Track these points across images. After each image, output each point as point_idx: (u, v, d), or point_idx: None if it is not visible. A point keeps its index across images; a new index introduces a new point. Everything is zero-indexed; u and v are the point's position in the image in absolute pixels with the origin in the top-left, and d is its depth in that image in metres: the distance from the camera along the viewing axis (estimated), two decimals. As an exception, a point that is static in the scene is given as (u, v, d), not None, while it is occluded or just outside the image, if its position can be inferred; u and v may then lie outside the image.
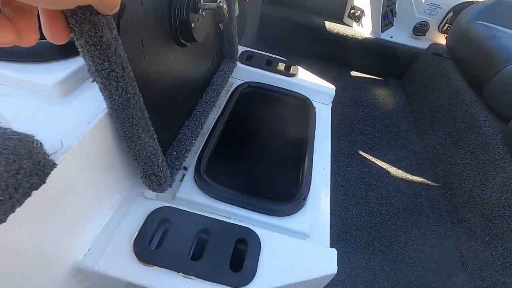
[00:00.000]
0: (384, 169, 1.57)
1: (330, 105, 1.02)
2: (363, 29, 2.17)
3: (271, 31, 2.19)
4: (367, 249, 1.20)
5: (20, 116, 0.38)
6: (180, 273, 0.48)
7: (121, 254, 0.48)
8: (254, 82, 0.96)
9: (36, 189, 0.32)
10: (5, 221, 0.29)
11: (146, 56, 0.47)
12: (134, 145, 0.45)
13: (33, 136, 0.31)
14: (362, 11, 2.12)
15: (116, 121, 0.42)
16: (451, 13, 2.05)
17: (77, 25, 0.29)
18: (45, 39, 0.25)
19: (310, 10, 2.25)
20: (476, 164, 1.37)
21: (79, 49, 0.33)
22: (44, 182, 0.33)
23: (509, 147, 1.23)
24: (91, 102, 0.43)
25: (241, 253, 0.53)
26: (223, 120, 0.81)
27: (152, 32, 0.49)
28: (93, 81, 0.37)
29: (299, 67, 1.04)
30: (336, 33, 2.16)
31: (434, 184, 1.55)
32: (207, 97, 0.78)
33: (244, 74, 0.99)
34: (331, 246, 0.59)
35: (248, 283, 0.49)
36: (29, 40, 0.23)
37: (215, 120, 0.80)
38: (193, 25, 0.56)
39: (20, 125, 0.31)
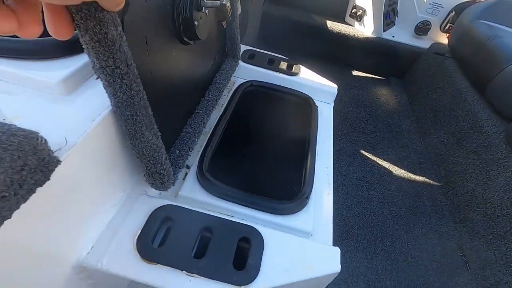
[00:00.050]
0: (386, 168, 1.57)
1: (332, 104, 1.02)
2: (365, 29, 2.16)
3: (272, 30, 2.19)
4: (369, 249, 1.20)
5: (24, 113, 0.38)
6: (183, 271, 0.48)
7: (124, 252, 0.48)
8: (256, 81, 0.96)
9: (41, 185, 0.32)
10: (10, 218, 0.29)
11: (149, 53, 0.47)
12: (137, 142, 0.45)
13: (38, 133, 0.31)
14: (364, 11, 2.12)
15: (120, 118, 0.42)
16: (453, 12, 2.04)
17: (82, 21, 0.29)
18: (49, 36, 0.25)
19: (311, 10, 2.25)
20: (478, 163, 1.36)
21: (83, 46, 0.33)
22: (49, 179, 0.33)
23: (512, 146, 1.23)
24: (95, 100, 0.43)
25: (244, 251, 0.53)
26: (226, 119, 0.81)
27: (156, 29, 0.49)
28: (97, 78, 0.37)
29: (301, 66, 1.04)
30: (338, 32, 2.15)
31: (436, 183, 1.54)
32: (210, 96, 0.78)
33: (246, 73, 0.99)
34: (334, 245, 0.59)
35: (252, 282, 0.48)
36: (32, 32, 0.23)
37: (218, 118, 0.80)
38: (196, 23, 0.56)
39: (24, 122, 0.31)
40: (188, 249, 0.50)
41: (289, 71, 1.00)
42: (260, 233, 0.55)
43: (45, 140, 0.31)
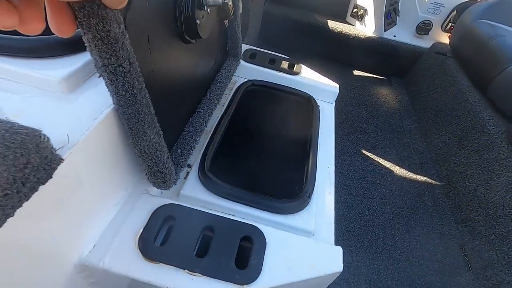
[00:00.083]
0: (387, 168, 1.57)
1: (334, 104, 1.02)
2: (366, 28, 2.16)
3: (273, 30, 2.19)
4: (370, 248, 1.20)
5: (26, 111, 0.38)
6: (185, 270, 0.47)
7: (126, 251, 0.48)
8: (258, 80, 0.96)
9: (43, 183, 0.32)
10: (12, 216, 0.29)
11: (151, 52, 0.47)
12: (139, 141, 0.45)
13: (40, 131, 0.31)
14: (365, 10, 2.12)
15: (122, 116, 0.42)
16: (455, 11, 2.04)
17: (85, 19, 0.29)
18: (51, 34, 0.25)
19: (312, 9, 2.25)
20: (480, 163, 1.36)
21: (86, 44, 0.33)
22: (51, 177, 0.32)
23: (514, 146, 1.22)
24: (97, 98, 0.43)
25: (246, 250, 0.53)
26: (227, 118, 0.80)
27: (158, 28, 0.49)
28: (99, 76, 0.37)
29: (302, 65, 1.04)
30: (339, 32, 2.15)
31: (437, 183, 1.54)
32: (211, 95, 0.78)
33: (247, 72, 0.99)
34: (335, 244, 0.59)
35: (254, 281, 0.48)
36: (34, 28, 0.23)
37: (219, 118, 0.80)
38: (198, 21, 0.55)
39: (26, 120, 0.31)
40: (190, 248, 0.50)
41: (290, 71, 1.00)
42: (262, 232, 0.54)
43: (47, 138, 0.31)
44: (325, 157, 0.80)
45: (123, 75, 0.36)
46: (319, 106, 0.94)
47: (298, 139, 0.86)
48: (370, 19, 2.12)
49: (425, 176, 1.56)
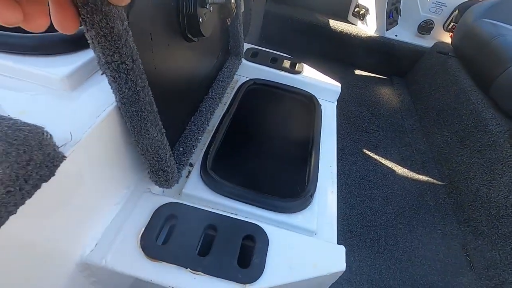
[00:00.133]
0: (389, 167, 1.56)
1: (336, 103, 1.02)
2: (368, 28, 2.15)
3: (274, 29, 2.19)
4: (372, 248, 1.19)
5: (29, 108, 0.38)
6: (188, 269, 0.47)
7: (128, 250, 0.48)
8: (260, 79, 0.96)
9: (46, 181, 0.31)
10: (15, 213, 0.29)
11: (154, 50, 0.47)
12: (142, 139, 0.45)
13: (43, 128, 0.31)
14: (367, 9, 2.11)
15: (125, 114, 0.42)
16: (457, 11, 2.03)
17: (88, 15, 0.29)
18: (54, 32, 0.24)
19: (314, 8, 2.24)
20: (483, 162, 1.36)
21: (89, 41, 0.33)
22: (54, 174, 0.32)
23: (517, 145, 1.22)
24: (100, 96, 0.43)
25: (249, 249, 0.53)
26: (229, 117, 0.80)
27: (160, 25, 0.48)
28: (102, 74, 0.37)
29: (304, 64, 1.04)
30: (340, 31, 2.15)
31: (439, 183, 1.53)
32: (213, 94, 0.78)
33: (249, 71, 0.99)
34: (337, 244, 0.59)
35: (257, 280, 0.48)
36: (38, 25, 0.23)
37: (221, 116, 0.80)
38: (200, 19, 0.55)
39: (28, 118, 0.31)
40: (193, 247, 0.50)
41: (292, 70, 1.00)
42: (264, 231, 0.54)
43: (50, 135, 0.31)
44: (327, 156, 0.80)
45: (126, 72, 0.36)
46: (321, 105, 0.94)
47: (300, 138, 0.85)
48: (371, 18, 2.11)
49: (427, 175, 1.56)
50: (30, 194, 0.30)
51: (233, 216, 0.56)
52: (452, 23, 2.07)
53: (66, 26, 0.25)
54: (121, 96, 0.39)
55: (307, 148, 0.80)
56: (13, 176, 0.27)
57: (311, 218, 0.63)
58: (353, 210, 1.32)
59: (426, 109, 1.90)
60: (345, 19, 2.25)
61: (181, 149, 0.62)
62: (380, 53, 2.18)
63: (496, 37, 1.57)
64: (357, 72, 2.30)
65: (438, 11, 2.10)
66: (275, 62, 1.01)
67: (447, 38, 2.15)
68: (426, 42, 2.13)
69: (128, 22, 0.34)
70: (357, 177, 1.47)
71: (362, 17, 2.14)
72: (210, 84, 0.81)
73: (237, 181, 0.64)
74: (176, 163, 0.58)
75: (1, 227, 0.28)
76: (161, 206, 0.54)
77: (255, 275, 0.48)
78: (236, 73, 0.96)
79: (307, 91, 0.96)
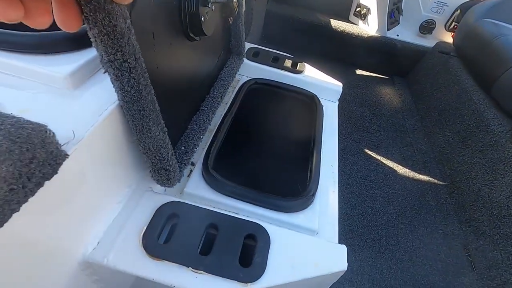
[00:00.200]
0: (390, 167, 1.56)
1: (337, 102, 1.02)
2: (369, 27, 2.15)
3: (276, 28, 2.19)
4: (373, 248, 1.19)
5: (32, 106, 0.38)
6: (189, 267, 0.47)
7: (130, 248, 0.48)
8: (261, 78, 0.96)
9: (49, 179, 0.31)
10: (18, 211, 0.29)
11: (156, 48, 0.47)
12: (144, 138, 0.45)
13: (46, 126, 0.31)
14: (368, 9, 2.11)
15: (127, 113, 0.42)
16: (459, 11, 2.03)
17: (91, 13, 0.29)
18: (57, 30, 0.24)
19: (315, 8, 2.24)
20: (484, 162, 1.35)
21: (92, 39, 0.33)
22: (56, 173, 0.32)
23: (519, 145, 1.22)
24: (102, 94, 0.43)
25: (250, 248, 0.53)
26: (230, 116, 0.80)
27: (163, 24, 0.48)
28: (104, 72, 0.37)
29: (305, 64, 1.04)
30: (342, 31, 2.14)
31: (441, 183, 1.53)
32: (215, 93, 0.78)
33: (250, 70, 0.99)
34: (339, 243, 0.59)
35: (258, 279, 0.48)
36: (41, 22, 0.23)
37: (222, 116, 0.80)
38: (202, 18, 0.55)
39: (31, 116, 0.31)
40: (194, 246, 0.50)
41: (293, 69, 1.00)
42: (266, 230, 0.54)
43: (53, 133, 0.31)
44: (328, 155, 0.80)
45: (128, 70, 0.36)
46: (322, 105, 0.93)
47: (302, 137, 0.85)
48: (373, 18, 2.11)
49: (428, 175, 1.56)
50: (33, 192, 0.30)
51: (235, 215, 0.56)
52: (453, 23, 2.07)
53: (69, 24, 0.25)
54: (123, 94, 0.39)
55: (309, 148, 0.80)
56: (16, 174, 0.27)
57: (312, 218, 0.63)
58: (355, 209, 1.32)
59: (427, 109, 1.90)
60: (346, 19, 2.25)
61: (182, 148, 0.62)
62: (382, 53, 2.17)
63: (498, 37, 1.56)
64: (359, 71, 2.29)
65: (440, 11, 2.10)
66: (276, 62, 1.01)
67: (448, 38, 2.14)
68: (427, 42, 2.13)
69: (131, 21, 0.34)
70: (358, 177, 1.46)
71: (363, 16, 2.14)
72: (212, 83, 0.81)
73: (238, 180, 0.64)
74: (178, 162, 0.58)
75: (4, 225, 0.28)
76: (163, 205, 0.54)
77: (257, 274, 0.48)
78: (238, 72, 0.96)
79: (308, 90, 0.96)
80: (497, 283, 1.12)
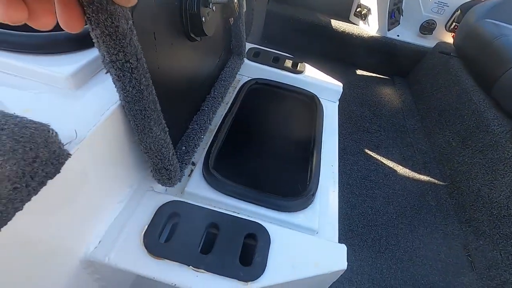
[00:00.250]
0: (391, 167, 1.56)
1: (337, 103, 1.02)
2: (369, 28, 2.15)
3: (276, 29, 2.19)
4: (373, 247, 1.19)
5: (34, 106, 0.38)
6: (190, 266, 0.48)
7: (131, 247, 0.49)
8: (262, 78, 0.96)
9: (51, 178, 0.32)
10: (21, 209, 0.29)
11: (157, 49, 0.47)
12: (145, 137, 0.45)
13: (49, 125, 0.31)
14: (369, 9, 2.11)
15: (128, 113, 0.42)
16: (459, 11, 2.03)
17: (94, 14, 0.29)
18: (59, 30, 0.25)
19: (315, 8, 2.24)
20: (484, 163, 1.35)
21: (94, 40, 0.33)
22: (59, 172, 0.33)
23: (519, 145, 1.22)
24: (104, 94, 0.43)
25: (251, 248, 0.53)
26: (231, 116, 0.81)
27: (164, 25, 0.49)
28: (106, 73, 0.37)
29: (306, 64, 1.04)
30: (342, 31, 2.15)
31: (441, 183, 1.53)
32: (215, 93, 0.78)
33: (251, 70, 0.99)
34: (339, 243, 0.59)
35: (258, 278, 0.48)
36: (44, 23, 0.23)
37: (223, 116, 0.80)
38: (203, 19, 0.56)
39: (34, 116, 0.32)
40: (195, 245, 0.50)
41: (294, 69, 1.00)
42: (266, 230, 0.55)
43: (56, 132, 0.32)
44: (328, 155, 0.80)
45: (130, 71, 0.36)
46: (322, 105, 0.94)
47: (302, 137, 0.86)
48: (373, 18, 2.11)
49: (428, 175, 1.56)
50: (36, 191, 0.30)
51: (235, 215, 0.57)
52: (454, 23, 2.07)
53: (72, 25, 0.25)
54: (125, 94, 0.39)
55: (309, 148, 0.80)
56: (19, 173, 0.28)
57: (312, 217, 0.63)
58: (355, 209, 1.32)
59: (428, 109, 1.90)
60: (347, 19, 2.25)
61: (183, 148, 0.62)
62: (382, 53, 2.18)
63: (498, 37, 1.56)
64: (359, 72, 2.30)
65: (440, 11, 2.10)
66: (277, 62, 1.02)
67: (449, 38, 2.14)
68: (428, 42, 2.13)
69: (133, 21, 0.34)
70: (358, 177, 1.47)
71: (364, 17, 2.14)
72: (213, 84, 0.81)
73: (239, 180, 0.64)
74: (179, 161, 0.58)
75: (8, 223, 0.28)
76: (163, 204, 0.54)
77: (257, 273, 0.49)
78: (238, 72, 0.96)
79: (308, 90, 0.96)
80: (497, 283, 1.12)
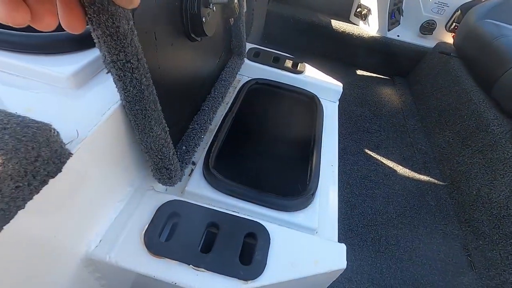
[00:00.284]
0: (391, 167, 1.57)
1: (337, 103, 1.02)
2: (370, 28, 2.15)
3: (276, 29, 2.19)
4: (373, 247, 1.20)
5: (36, 106, 0.39)
6: (190, 265, 0.48)
7: (132, 246, 0.49)
8: (262, 78, 0.97)
9: (53, 177, 0.32)
10: (23, 208, 0.29)
11: (158, 49, 0.47)
12: (146, 137, 0.45)
13: (51, 125, 0.31)
14: (369, 10, 2.11)
15: (129, 112, 0.42)
16: (459, 11, 2.03)
17: (95, 15, 0.30)
18: (60, 31, 0.25)
19: (316, 8, 2.24)
20: (484, 163, 1.36)
21: (95, 40, 0.33)
22: (60, 171, 0.33)
23: (518, 146, 1.22)
24: (105, 94, 0.44)
25: (251, 247, 0.53)
26: (231, 116, 0.81)
27: (164, 25, 0.49)
28: (107, 73, 0.38)
29: (306, 64, 1.04)
30: (342, 31, 2.15)
31: (441, 183, 1.54)
32: (215, 93, 0.79)
33: (251, 70, 0.99)
34: (339, 242, 0.59)
35: (258, 276, 0.49)
36: (47, 24, 0.23)
37: (223, 116, 0.81)
38: (204, 19, 0.56)
39: (36, 115, 0.32)
40: (195, 244, 0.50)
41: (294, 69, 1.00)
42: (266, 229, 0.55)
43: (57, 132, 0.32)
44: (328, 155, 0.80)
45: (131, 71, 0.37)
46: (322, 105, 0.94)
47: (302, 137, 0.86)
48: (373, 18, 2.11)
49: (428, 175, 1.56)
50: (37, 190, 0.31)
51: (235, 214, 0.57)
52: (454, 24, 2.07)
53: (74, 26, 0.25)
54: (126, 94, 0.39)
55: (309, 148, 0.81)
56: (22, 172, 0.28)
57: (312, 217, 0.63)
58: (354, 209, 1.32)
59: (427, 109, 1.90)
60: (347, 19, 2.25)
61: (184, 147, 0.63)
62: (382, 53, 2.18)
63: (498, 38, 1.57)
64: (359, 72, 2.30)
65: (440, 12, 2.10)
66: (277, 62, 1.02)
67: (449, 38, 2.14)
68: (428, 43, 2.13)
69: (133, 22, 0.35)
70: (358, 177, 1.47)
71: (364, 17, 2.15)
72: (213, 84, 0.81)
73: (239, 180, 0.64)
74: (179, 161, 0.59)
75: (10, 221, 0.28)
76: (164, 203, 0.55)
77: (257, 272, 0.49)
78: (239, 72, 0.97)
79: (309, 90, 0.96)
80: (496, 282, 1.13)
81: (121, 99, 0.41)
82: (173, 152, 0.52)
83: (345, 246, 0.56)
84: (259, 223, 0.56)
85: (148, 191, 0.57)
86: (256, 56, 1.02)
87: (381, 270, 1.13)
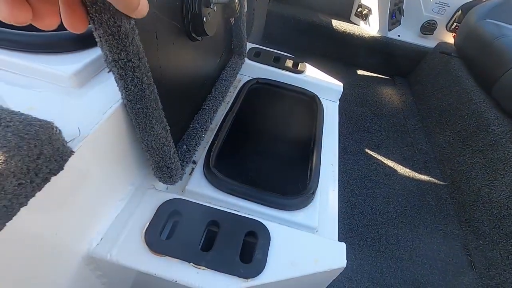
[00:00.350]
0: (391, 167, 1.57)
1: (338, 102, 1.02)
2: (370, 28, 2.16)
3: (277, 28, 2.19)
4: (373, 247, 1.20)
5: (38, 104, 0.39)
6: (191, 263, 0.48)
7: (133, 244, 0.49)
8: (262, 78, 0.97)
9: (55, 174, 0.32)
10: (26, 205, 0.30)
11: (159, 48, 0.48)
12: (147, 136, 0.46)
13: (53, 123, 0.32)
14: (369, 10, 2.11)
15: (130, 111, 0.43)
16: (460, 11, 2.03)
17: (97, 14, 0.30)
18: (62, 30, 0.25)
19: (316, 8, 2.25)
20: (484, 162, 1.36)
21: (96, 39, 0.34)
22: (62, 169, 0.33)
23: (519, 145, 1.22)
24: (106, 93, 0.44)
25: (251, 245, 0.54)
26: (232, 116, 0.81)
27: (165, 25, 0.49)
28: (109, 72, 0.38)
29: (306, 64, 1.04)
30: (343, 31, 2.15)
31: (441, 182, 1.54)
32: (216, 92, 0.79)
33: (252, 70, 1.00)
34: (339, 241, 0.59)
35: (258, 275, 0.49)
36: (49, 23, 0.24)
37: (224, 115, 0.81)
38: (204, 19, 0.56)
39: (37, 114, 0.32)
40: (195, 242, 0.51)
41: (295, 69, 1.01)
42: (266, 228, 0.55)
43: (59, 130, 0.32)
44: (329, 155, 0.81)
45: (132, 70, 0.37)
46: (323, 105, 0.94)
47: (302, 137, 0.86)
48: (374, 18, 2.11)
49: (429, 175, 1.56)
50: (40, 187, 0.31)
51: (236, 213, 0.57)
52: (455, 24, 2.07)
53: (76, 25, 0.26)
54: (127, 93, 0.40)
55: (309, 147, 0.81)
56: (24, 169, 0.28)
57: (312, 216, 0.63)
58: (355, 209, 1.32)
59: (428, 109, 1.90)
60: (347, 19, 2.25)
61: (184, 146, 0.63)
62: (383, 53, 2.18)
63: (499, 38, 1.57)
64: (360, 72, 2.30)
65: (441, 12, 2.10)
66: (277, 62, 1.02)
67: (450, 38, 2.14)
68: (428, 43, 2.13)
69: (135, 21, 0.35)
70: (359, 176, 1.47)
71: (364, 17, 2.15)
72: (214, 83, 0.82)
73: (239, 179, 0.65)
74: (180, 160, 0.59)
75: (13, 218, 0.29)
76: (165, 202, 0.55)
77: (257, 270, 0.49)
78: (239, 72, 0.97)
79: (309, 90, 0.97)
80: (497, 282, 1.13)
81: (122, 98, 0.42)
82: (174, 151, 0.53)
83: (345, 245, 0.57)
84: (259, 221, 0.56)
85: (149, 190, 0.57)
86: (256, 55, 1.02)
87: (381, 269, 1.13)
